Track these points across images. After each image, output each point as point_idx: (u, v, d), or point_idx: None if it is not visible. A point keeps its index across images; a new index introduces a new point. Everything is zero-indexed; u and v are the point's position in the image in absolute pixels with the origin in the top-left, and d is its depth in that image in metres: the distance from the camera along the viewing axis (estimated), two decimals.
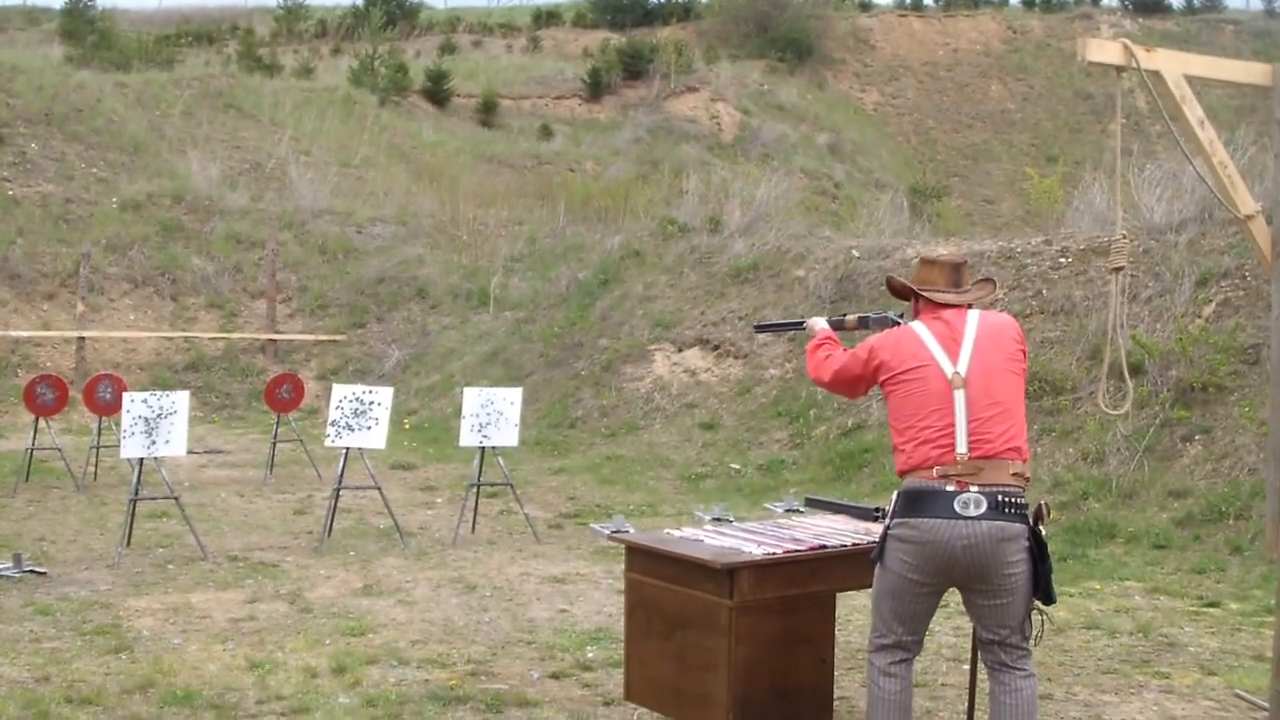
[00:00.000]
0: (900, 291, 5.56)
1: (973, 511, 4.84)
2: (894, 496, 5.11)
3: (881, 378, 5.17)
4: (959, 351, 5.09)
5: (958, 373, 5.03)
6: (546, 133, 42.42)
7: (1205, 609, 9.50)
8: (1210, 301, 14.28)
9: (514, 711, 6.71)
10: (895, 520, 5.01)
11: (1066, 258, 16.30)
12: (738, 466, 15.60)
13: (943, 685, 7.30)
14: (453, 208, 27.87)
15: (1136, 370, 13.53)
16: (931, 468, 4.91)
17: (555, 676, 7.40)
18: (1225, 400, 12.94)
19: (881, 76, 55.35)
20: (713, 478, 15.39)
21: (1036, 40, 57.01)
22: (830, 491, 13.54)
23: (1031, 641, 5.17)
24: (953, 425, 4.94)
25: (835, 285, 18.23)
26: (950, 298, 5.31)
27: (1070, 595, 9.78)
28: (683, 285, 20.57)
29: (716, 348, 18.80)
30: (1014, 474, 4.97)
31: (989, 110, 53.36)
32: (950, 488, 4.87)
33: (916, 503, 4.92)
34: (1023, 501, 4.96)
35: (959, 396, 4.97)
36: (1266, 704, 6.85)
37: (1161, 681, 7.60)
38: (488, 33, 57.21)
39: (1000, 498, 4.88)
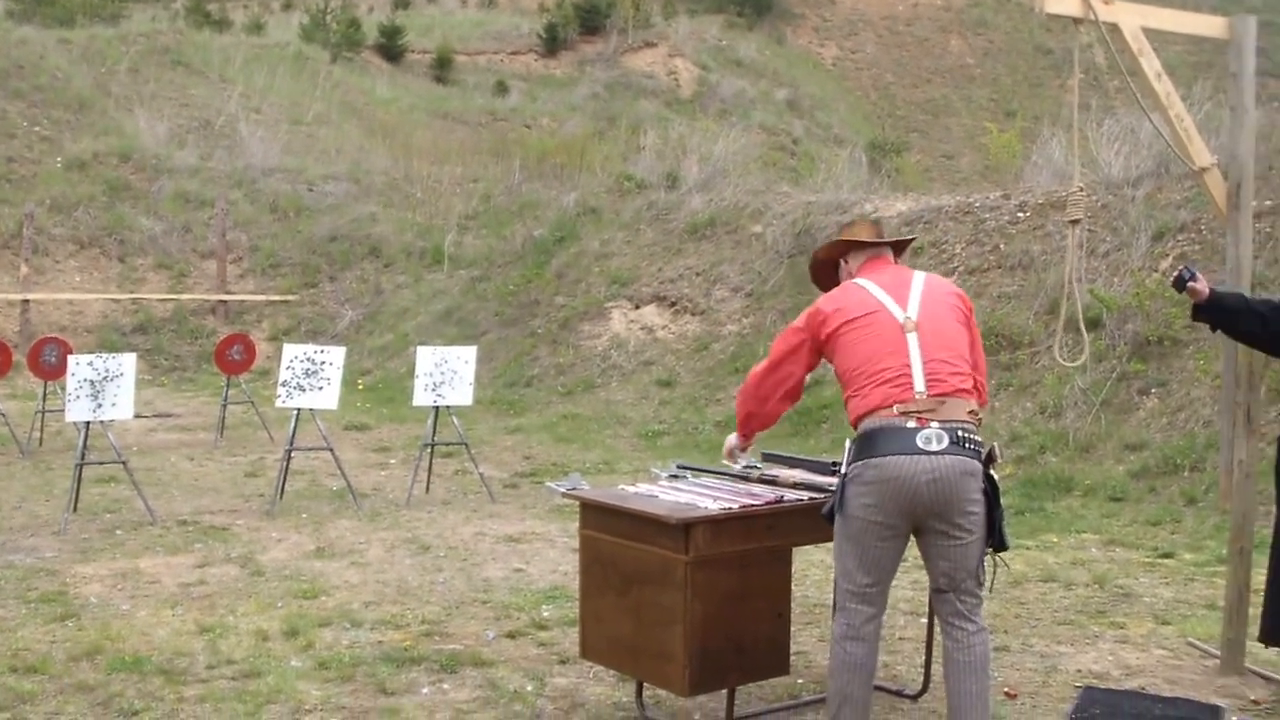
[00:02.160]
0: (825, 261, 5.65)
1: (935, 446, 4.82)
2: (849, 444, 5.05)
3: (828, 330, 5.12)
4: (907, 300, 5.12)
5: (909, 317, 5.04)
6: (502, 89, 42.14)
7: (1160, 560, 9.56)
8: (1167, 255, 14.29)
9: (469, 671, 6.63)
10: (855, 463, 4.95)
11: (1025, 212, 16.29)
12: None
13: (900, 639, 7.27)
14: (406, 165, 27.62)
15: (1094, 324, 13.56)
16: (891, 405, 4.89)
17: (511, 636, 7.32)
18: (1181, 354, 12.98)
19: (841, 31, 55.24)
20: (670, 435, 15.34)
21: None
22: (789, 447, 13.46)
23: (986, 589, 5.16)
24: (909, 365, 4.94)
25: (793, 240, 18.17)
26: (878, 241, 5.48)
27: (1027, 548, 9.81)
28: (640, 242, 20.46)
29: (674, 304, 18.72)
30: (970, 411, 4.99)
31: (948, 65, 53.33)
32: (911, 424, 4.85)
33: (878, 441, 4.88)
34: (979, 439, 4.98)
35: (912, 339, 4.98)
36: (1218, 651, 6.88)
37: (1117, 631, 7.61)
38: None
39: (960, 433, 4.88)
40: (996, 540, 5.09)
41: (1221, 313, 6.23)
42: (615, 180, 23.19)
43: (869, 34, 54.98)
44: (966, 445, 4.88)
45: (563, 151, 28.23)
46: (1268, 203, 13.56)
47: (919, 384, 4.91)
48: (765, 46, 50.65)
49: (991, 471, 5.04)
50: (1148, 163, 15.64)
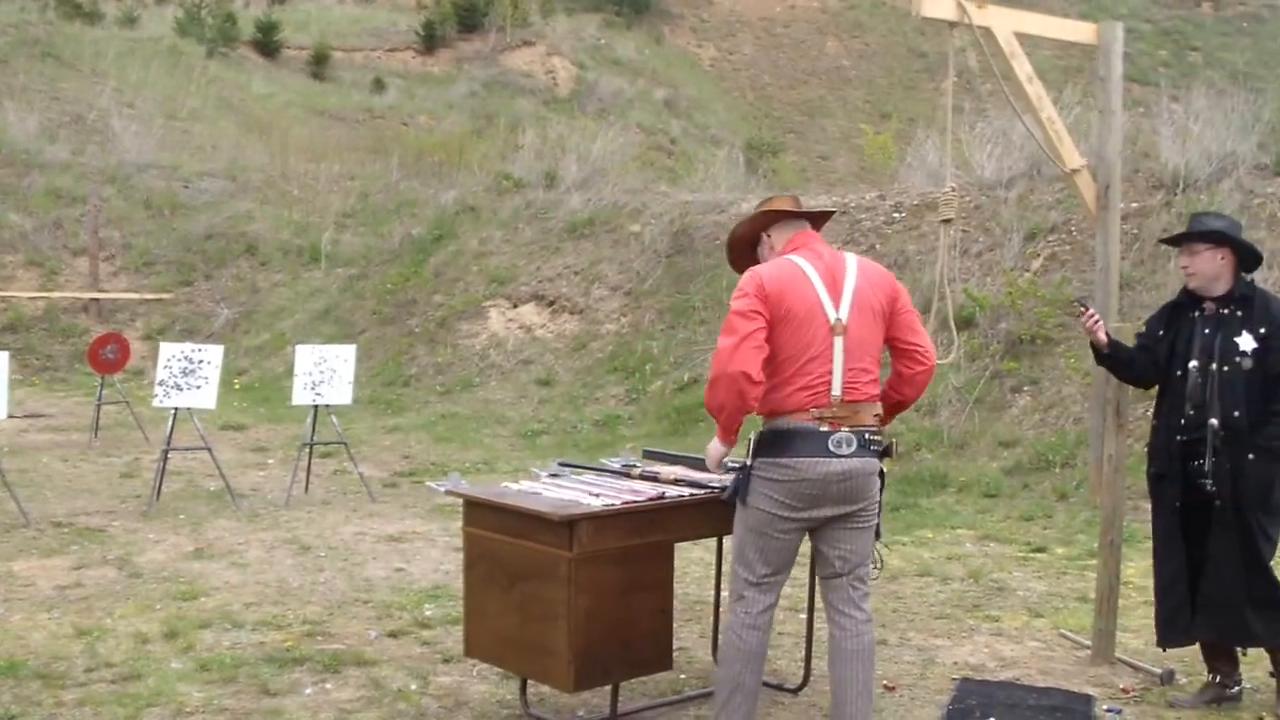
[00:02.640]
0: (744, 238, 5.56)
1: (845, 450, 5.02)
2: (756, 436, 5.16)
3: (772, 309, 5.03)
4: (841, 295, 5.13)
5: (839, 319, 5.09)
6: (379, 86, 41.85)
7: (1033, 554, 9.77)
8: (1038, 255, 14.59)
9: (352, 671, 6.62)
10: (764, 460, 5.07)
11: (900, 213, 16.54)
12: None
13: (780, 634, 7.37)
14: (283, 162, 27.31)
15: (967, 323, 13.81)
16: (807, 409, 5.02)
17: (393, 635, 7.33)
18: (1052, 352, 13.27)
19: (719, 32, 55.49)
20: (549, 434, 15.37)
21: None
22: (667, 446, 13.60)
23: (876, 575, 5.39)
24: (830, 372, 5.05)
25: (671, 240, 18.29)
26: (803, 212, 5.44)
27: (903, 544, 9.99)
28: (518, 241, 20.45)
29: (552, 304, 18.74)
30: (875, 415, 5.18)
31: (825, 67, 53.80)
32: (825, 428, 5.02)
33: (791, 443, 5.02)
34: (880, 439, 5.18)
35: (838, 343, 5.07)
36: (1089, 642, 7.08)
37: (992, 624, 7.79)
38: None
39: (866, 436, 5.08)
40: (878, 528, 5.31)
41: (1116, 360, 6.52)
42: (493, 179, 23.14)
43: (746, 35, 55.32)
44: (871, 447, 5.09)
45: (441, 150, 28.12)
46: (1134, 205, 13.92)
47: (836, 389, 5.04)
48: (643, 46, 50.77)
49: (882, 465, 5.24)
50: (1019, 164, 15.94)
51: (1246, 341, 6.01)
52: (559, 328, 18.32)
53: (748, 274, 5.19)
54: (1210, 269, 6.13)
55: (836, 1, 57.55)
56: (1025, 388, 13.12)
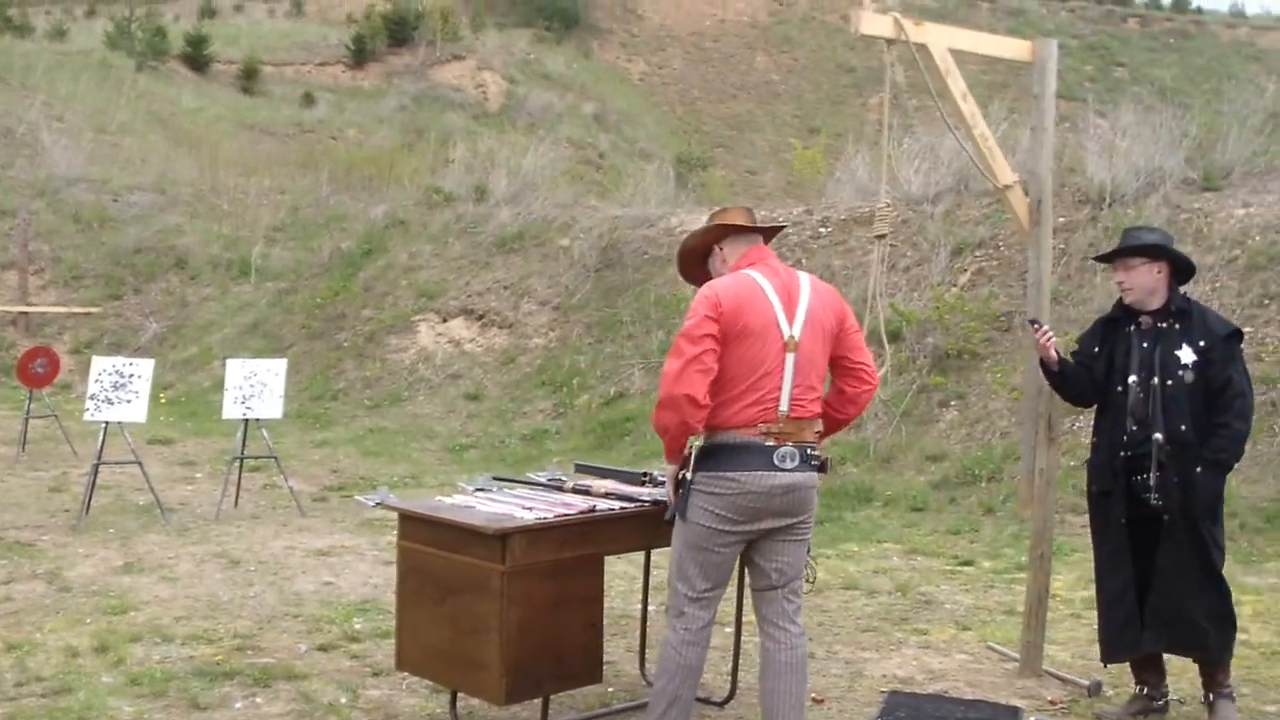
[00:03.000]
0: (696, 249, 5.59)
1: (789, 464, 5.10)
2: (697, 449, 5.22)
3: (727, 325, 5.08)
4: (795, 313, 5.19)
5: (792, 336, 5.15)
6: (309, 100, 41.74)
7: (960, 567, 9.87)
8: (965, 270, 14.76)
9: (282, 685, 6.63)
10: (706, 474, 5.12)
11: (827, 227, 16.67)
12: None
13: (710, 648, 7.42)
14: (213, 176, 27.16)
15: (894, 337, 13.94)
16: (755, 425, 5.09)
17: (323, 649, 7.33)
18: (979, 367, 13.43)
19: (648, 46, 55.72)
20: (477, 448, 15.38)
21: (802, 13, 58.00)
22: (593, 460, 13.66)
23: (809, 587, 5.52)
24: (780, 389, 5.12)
25: (600, 254, 18.35)
26: (757, 227, 5.47)
27: (829, 557, 10.05)
28: (448, 255, 20.45)
29: (481, 318, 18.76)
30: (816, 431, 5.27)
31: (754, 81, 54.11)
32: (770, 443, 5.09)
33: (735, 457, 5.08)
34: (819, 454, 5.27)
35: (789, 360, 5.13)
36: (1017, 654, 7.18)
37: (920, 637, 7.87)
38: None
39: (808, 451, 5.17)
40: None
41: (1062, 378, 6.50)
42: (423, 193, 23.12)
43: (676, 50, 55.56)
44: (811, 461, 5.18)
45: (371, 164, 28.10)
46: (1061, 219, 14.12)
47: (784, 406, 5.11)
48: (573, 60, 50.94)
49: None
50: (947, 180, 16.11)
51: (1186, 355, 6.00)
52: (488, 342, 18.33)
53: (703, 290, 5.21)
54: (1147, 282, 6.13)
55: (766, 16, 57.93)
56: (952, 402, 13.26)
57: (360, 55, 46.76)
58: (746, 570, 5.48)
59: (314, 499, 12.46)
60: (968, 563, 10.00)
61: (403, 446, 15.59)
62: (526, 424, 15.92)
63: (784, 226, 6.26)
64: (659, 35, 56.21)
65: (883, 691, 6.71)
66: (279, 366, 12.11)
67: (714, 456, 5.11)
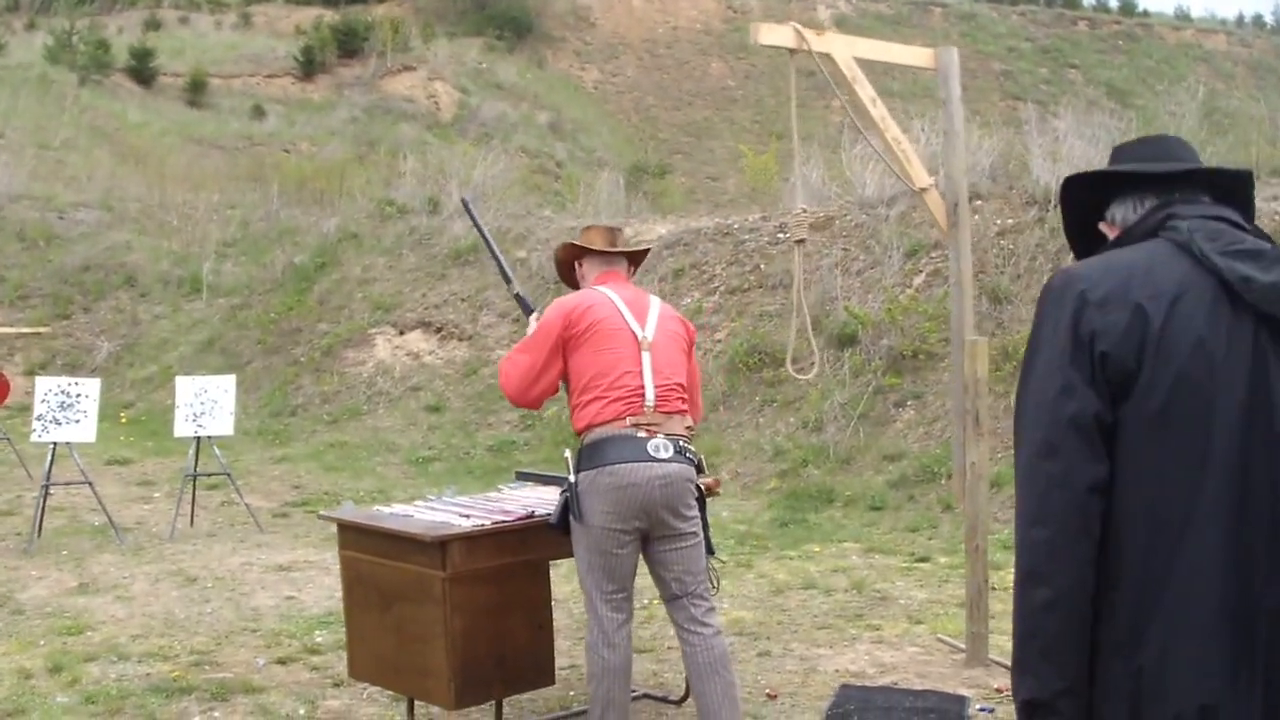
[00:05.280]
0: (565, 262, 5.90)
1: (663, 454, 5.24)
2: (576, 453, 5.37)
3: (577, 330, 5.36)
4: (646, 319, 5.48)
5: (645, 337, 5.41)
6: (258, 113, 41.57)
7: (916, 564, 9.99)
8: (919, 272, 14.88)
9: (240, 699, 6.66)
10: (587, 472, 5.25)
11: (784, 233, 16.75)
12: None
13: (668, 649, 7.48)
14: (161, 191, 27.03)
15: (851, 340, 14.06)
16: (625, 418, 5.25)
17: (282, 662, 7.37)
18: (935, 366, 13.54)
19: (601, 54, 55.72)
20: (441, 460, 15.39)
21: (756, 19, 57.80)
22: (562, 470, 13.69)
23: (714, 592, 5.57)
24: (642, 384, 5.31)
25: (556, 265, 18.34)
26: (612, 251, 5.72)
27: (790, 558, 10.17)
28: (402, 267, 20.45)
29: (439, 330, 18.76)
30: (686, 426, 5.45)
31: (710, 88, 54.19)
32: (642, 434, 5.24)
33: (611, 449, 5.22)
34: (693, 450, 5.44)
35: (646, 357, 5.36)
36: (965, 645, 7.28)
37: (873, 633, 7.98)
38: (195, 8, 55.52)
39: (680, 444, 5.33)
40: (706, 544, 5.54)
41: None
42: (376, 205, 23.10)
43: (630, 57, 55.59)
44: (686, 454, 5.33)
45: (322, 176, 28.03)
46: (1009, 221, 14.26)
47: (650, 399, 5.29)
48: (526, 70, 50.90)
49: (700, 482, 5.48)
50: (900, 183, 16.16)
51: None
52: (448, 354, 18.34)
53: (553, 304, 5.54)
54: None
55: (720, 23, 58.01)
56: (909, 402, 13.37)
57: (309, 67, 46.60)
58: (654, 582, 5.58)
59: (275, 515, 12.46)
60: (924, 559, 10.11)
61: (365, 461, 15.59)
62: (492, 435, 15.93)
63: (647, 250, 6.45)
64: (612, 43, 56.22)
65: (835, 685, 6.79)
66: (228, 383, 12.12)
67: (591, 454, 5.26)
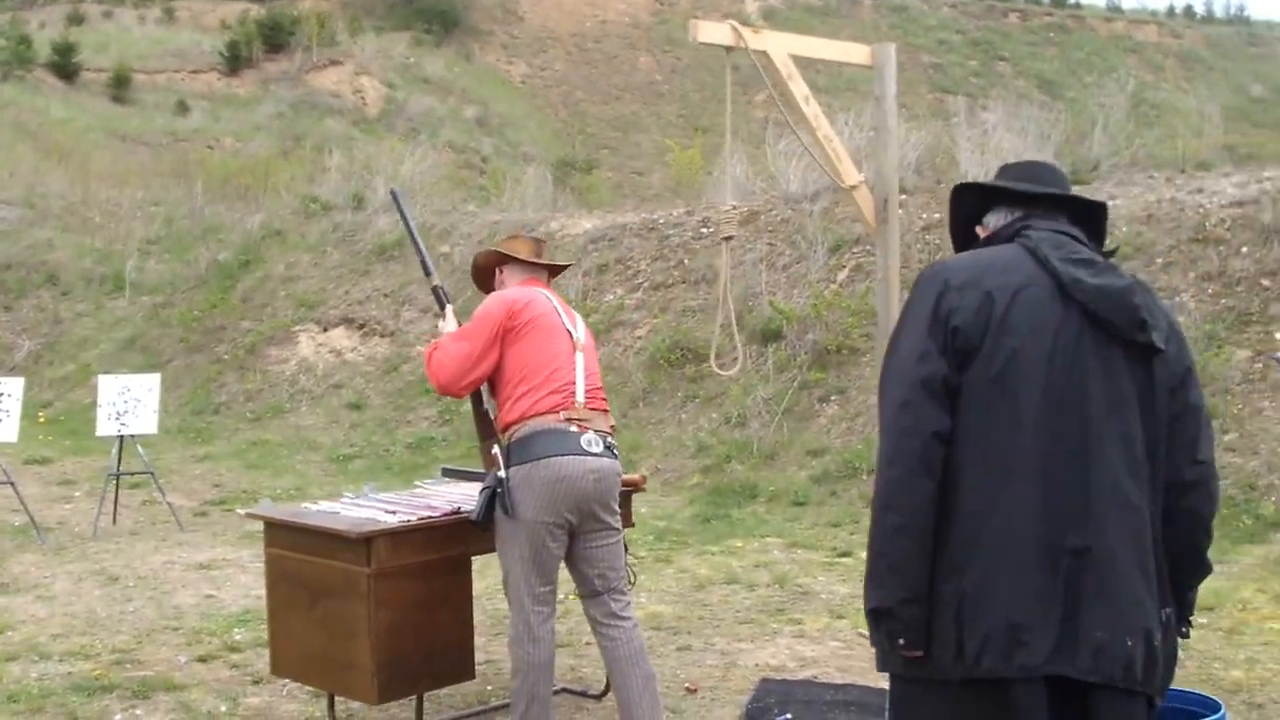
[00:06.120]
0: (486, 267, 5.97)
1: (595, 449, 5.32)
2: (506, 448, 5.36)
3: (520, 321, 5.41)
4: (575, 321, 5.63)
5: (579, 338, 5.53)
6: (183, 108, 41.24)
7: (838, 559, 10.05)
8: (844, 267, 14.99)
9: (162, 696, 6.66)
10: (519, 465, 5.27)
11: (708, 228, 16.83)
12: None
13: (586, 644, 7.51)
14: (84, 188, 26.82)
15: (775, 335, 14.15)
16: (557, 412, 5.31)
17: (203, 660, 7.36)
18: (858, 361, 13.64)
19: (529, 49, 55.59)
20: (362, 458, 15.37)
21: (684, 12, 57.88)
22: (480, 467, 13.71)
23: (630, 586, 5.68)
24: (574, 380, 5.40)
25: (475, 269, 18.35)
26: (539, 261, 5.81)
27: (713, 554, 10.23)
28: (326, 264, 20.40)
29: (362, 327, 18.74)
30: (610, 425, 5.55)
31: (638, 82, 54.20)
32: (574, 429, 5.31)
33: (546, 443, 5.26)
34: (617, 447, 5.57)
35: (579, 357, 5.47)
36: None
37: (795, 627, 8.05)
38: (118, 3, 54.97)
39: (607, 440, 5.43)
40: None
41: None
42: (301, 202, 23.03)
43: (558, 51, 55.52)
44: (613, 450, 5.43)
45: (247, 173, 27.91)
46: (936, 215, 14.39)
47: (580, 395, 5.37)
48: (453, 64, 50.73)
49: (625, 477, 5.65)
50: (824, 178, 16.20)
51: None
52: (369, 351, 18.32)
53: (495, 296, 5.63)
54: None
55: (648, 16, 58.03)
56: (833, 397, 13.46)
57: (235, 62, 46.26)
58: (573, 579, 5.65)
59: (195, 514, 12.41)
60: (846, 554, 10.17)
61: (286, 459, 15.54)
62: (411, 432, 15.94)
63: (567, 266, 6.57)
64: (540, 37, 56.12)
65: (755, 679, 6.86)
66: (152, 381, 12.07)
67: (524, 448, 5.28)
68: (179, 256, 22.62)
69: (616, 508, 5.52)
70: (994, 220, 3.60)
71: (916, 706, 3.39)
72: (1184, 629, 3.48)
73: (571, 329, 5.53)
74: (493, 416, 5.54)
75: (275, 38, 47.66)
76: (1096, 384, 3.28)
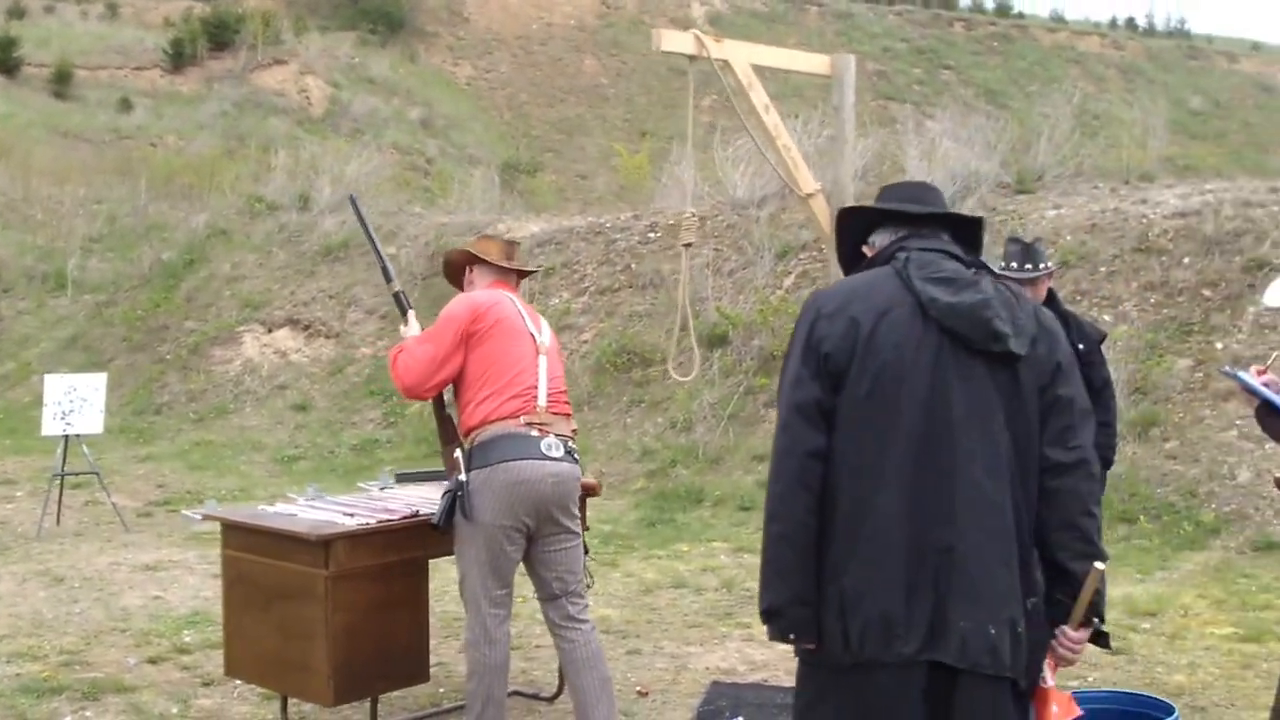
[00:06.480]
0: (457, 264, 5.93)
1: (555, 453, 5.36)
2: (467, 451, 5.40)
3: (484, 325, 5.43)
4: (539, 325, 5.65)
5: (543, 341, 5.55)
6: (126, 105, 40.85)
7: None
8: (790, 273, 15.08)
9: (112, 698, 6.64)
10: (480, 469, 5.31)
11: (655, 232, 16.89)
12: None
13: (536, 647, 7.56)
14: (25, 185, 26.52)
15: (721, 341, 14.21)
16: (518, 416, 5.34)
17: (153, 661, 7.34)
18: None
19: (475, 50, 55.42)
20: (306, 459, 15.32)
21: (630, 16, 58.12)
22: (425, 468, 13.68)
23: (588, 589, 5.74)
24: (536, 384, 5.43)
25: (427, 262, 18.36)
26: (509, 265, 5.80)
27: (659, 557, 10.28)
28: (272, 265, 20.31)
29: (307, 328, 18.67)
30: (572, 429, 5.60)
31: (583, 85, 54.12)
32: (534, 433, 5.35)
33: (506, 447, 5.30)
34: (578, 452, 5.60)
35: (542, 361, 5.49)
36: None
37: (743, 631, 8.10)
38: None
39: (568, 445, 5.48)
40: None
41: None
42: (246, 201, 22.90)
43: (503, 53, 55.38)
44: (573, 455, 5.48)
45: (191, 171, 27.71)
46: None
47: (542, 399, 5.41)
48: (398, 65, 50.51)
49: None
50: (772, 184, 16.31)
51: None
52: (315, 352, 18.26)
53: (460, 298, 5.61)
54: (1043, 293, 6.28)
55: (594, 19, 57.97)
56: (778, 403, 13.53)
57: (179, 59, 45.86)
58: (531, 582, 5.68)
59: (139, 514, 12.34)
60: None
61: (230, 459, 15.47)
62: (356, 434, 15.90)
63: (535, 271, 6.64)
64: (485, 39, 55.94)
65: (706, 682, 6.92)
66: (99, 381, 11.99)
67: (485, 452, 5.32)
68: (122, 255, 22.44)
69: (576, 512, 5.55)
70: (880, 239, 3.80)
71: (815, 685, 3.67)
72: (1101, 630, 3.66)
73: (535, 332, 5.55)
74: (455, 421, 5.55)
75: (220, 35, 47.30)
76: (959, 394, 3.50)
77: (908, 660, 3.44)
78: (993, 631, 3.43)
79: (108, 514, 11.99)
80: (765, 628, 3.69)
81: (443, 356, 5.41)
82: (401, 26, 54.36)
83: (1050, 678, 3.60)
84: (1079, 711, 3.63)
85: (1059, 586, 3.57)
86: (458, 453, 5.44)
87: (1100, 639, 3.71)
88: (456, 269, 5.95)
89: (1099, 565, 3.52)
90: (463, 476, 5.35)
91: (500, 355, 5.40)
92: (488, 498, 5.28)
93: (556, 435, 5.41)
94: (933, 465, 3.48)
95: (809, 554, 3.55)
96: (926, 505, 3.47)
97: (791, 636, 3.59)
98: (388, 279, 6.16)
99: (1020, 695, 3.55)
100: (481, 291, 5.66)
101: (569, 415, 5.61)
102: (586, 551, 5.75)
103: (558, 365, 5.63)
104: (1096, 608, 3.59)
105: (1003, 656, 3.44)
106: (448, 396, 5.64)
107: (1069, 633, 3.58)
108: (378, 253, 6.25)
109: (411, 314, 5.88)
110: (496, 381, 5.37)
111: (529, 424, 5.34)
